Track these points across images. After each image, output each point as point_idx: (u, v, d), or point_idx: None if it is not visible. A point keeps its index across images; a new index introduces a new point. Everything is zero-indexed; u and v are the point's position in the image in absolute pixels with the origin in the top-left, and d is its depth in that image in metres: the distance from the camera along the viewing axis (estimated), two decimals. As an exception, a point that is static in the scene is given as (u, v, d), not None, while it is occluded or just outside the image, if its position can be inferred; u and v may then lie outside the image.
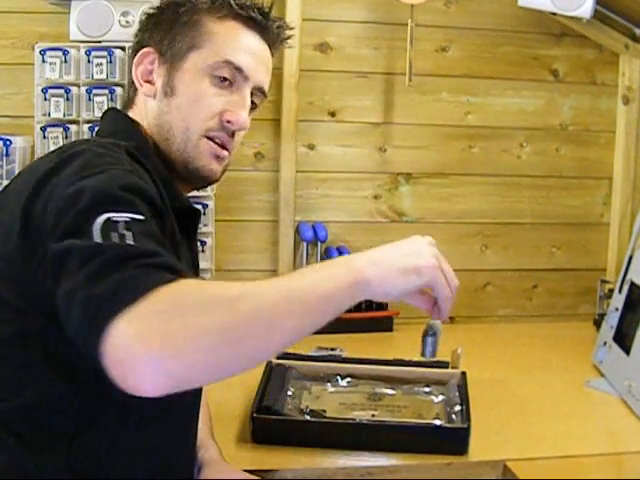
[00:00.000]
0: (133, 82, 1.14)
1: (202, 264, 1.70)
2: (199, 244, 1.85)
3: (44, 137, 1.88)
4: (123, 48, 1.91)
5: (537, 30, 2.33)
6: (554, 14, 2.19)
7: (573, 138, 2.39)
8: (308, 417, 1.43)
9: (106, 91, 1.89)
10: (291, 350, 1.74)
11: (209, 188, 1.87)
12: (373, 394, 1.57)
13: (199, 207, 1.27)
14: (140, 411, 0.99)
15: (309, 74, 2.21)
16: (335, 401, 1.54)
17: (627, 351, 1.71)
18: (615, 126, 2.39)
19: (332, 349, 1.81)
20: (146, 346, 0.70)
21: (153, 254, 0.78)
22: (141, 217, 0.83)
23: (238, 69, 1.10)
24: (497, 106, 2.34)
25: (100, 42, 1.93)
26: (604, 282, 2.25)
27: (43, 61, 1.90)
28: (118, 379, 0.71)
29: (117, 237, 0.78)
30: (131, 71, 1.14)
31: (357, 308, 2.20)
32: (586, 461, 1.39)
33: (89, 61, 1.90)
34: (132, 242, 0.78)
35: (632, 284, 1.80)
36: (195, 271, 1.19)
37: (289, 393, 1.53)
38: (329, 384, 1.61)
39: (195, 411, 1.15)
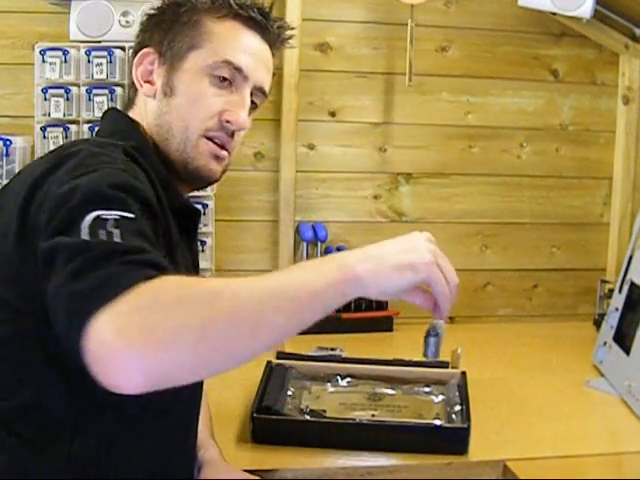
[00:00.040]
0: (133, 83, 1.14)
1: (202, 264, 1.70)
2: (199, 244, 1.85)
3: (44, 137, 1.88)
4: (123, 48, 1.91)
5: (537, 30, 2.33)
6: (554, 14, 2.19)
7: (573, 138, 2.40)
8: (308, 417, 1.43)
9: (106, 91, 1.89)
10: (291, 350, 1.74)
11: (209, 188, 1.87)
12: (373, 394, 1.57)
13: (199, 207, 1.27)
14: (140, 411, 0.99)
15: (309, 74, 2.21)
16: (335, 401, 1.54)
17: (627, 351, 1.71)
18: (615, 126, 2.39)
19: (332, 349, 1.81)
20: (126, 342, 0.69)
21: (138, 251, 0.78)
22: (131, 215, 0.83)
23: (238, 69, 1.10)
24: (497, 106, 2.34)
25: (100, 42, 1.93)
26: (604, 282, 2.25)
27: (43, 61, 1.90)
28: (100, 376, 0.71)
29: (105, 234, 0.78)
30: (132, 72, 1.14)
31: (357, 308, 2.21)
32: (586, 461, 1.39)
33: (89, 61, 1.90)
34: (119, 240, 0.78)
35: (632, 284, 1.80)
36: (195, 271, 1.19)
37: (289, 393, 1.53)
38: (329, 384, 1.61)
39: (195, 411, 1.15)
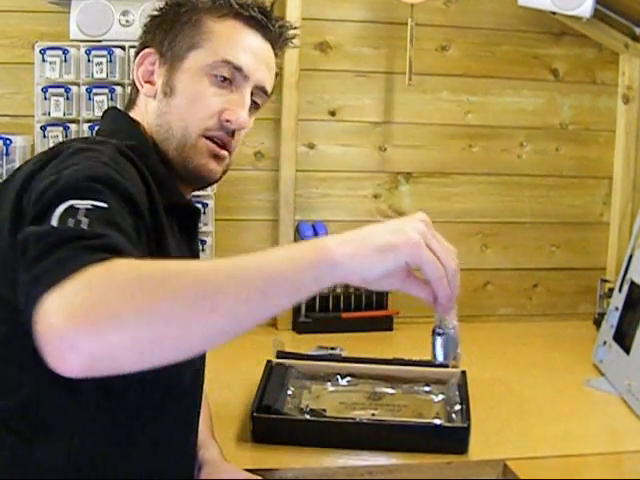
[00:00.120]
0: (135, 83, 1.14)
1: (202, 263, 1.70)
2: (199, 243, 1.85)
3: (44, 136, 1.88)
4: (123, 47, 1.91)
5: (537, 29, 2.33)
6: (554, 13, 2.19)
7: (573, 137, 2.40)
8: (308, 416, 1.43)
9: (106, 90, 1.89)
10: (291, 349, 1.75)
11: (209, 187, 1.87)
12: (373, 393, 1.57)
13: (199, 206, 1.27)
14: (140, 411, 0.99)
15: (309, 73, 2.21)
16: (335, 400, 1.54)
17: (627, 350, 1.71)
18: (615, 125, 2.39)
19: (332, 348, 1.82)
20: (71, 322, 0.68)
21: (96, 236, 0.77)
22: (104, 205, 0.82)
23: (237, 68, 1.09)
24: (497, 105, 2.34)
25: (100, 41, 1.93)
26: (604, 281, 2.25)
27: (43, 60, 1.90)
28: (48, 358, 0.69)
29: (73, 222, 0.78)
30: (133, 72, 1.14)
31: (357, 307, 2.21)
32: (586, 460, 1.39)
33: (89, 60, 1.90)
34: (86, 227, 0.78)
35: (632, 283, 1.80)
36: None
37: (289, 392, 1.53)
38: (329, 383, 1.61)
39: (195, 411, 1.15)
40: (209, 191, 1.95)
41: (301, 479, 1.32)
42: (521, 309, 2.42)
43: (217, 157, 1.11)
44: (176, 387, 1.05)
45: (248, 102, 1.11)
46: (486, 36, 2.31)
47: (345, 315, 2.20)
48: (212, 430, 1.29)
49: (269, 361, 1.64)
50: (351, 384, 1.62)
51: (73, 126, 1.90)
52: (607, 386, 1.73)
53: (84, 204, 0.81)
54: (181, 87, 1.10)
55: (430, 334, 0.90)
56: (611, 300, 1.93)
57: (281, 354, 1.69)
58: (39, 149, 1.86)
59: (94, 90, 1.89)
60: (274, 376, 1.57)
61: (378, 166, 2.30)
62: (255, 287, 0.75)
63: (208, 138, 1.09)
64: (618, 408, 1.62)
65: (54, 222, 0.79)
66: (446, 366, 1.65)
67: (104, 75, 1.89)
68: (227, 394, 1.56)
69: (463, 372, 1.61)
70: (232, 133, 1.10)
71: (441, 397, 1.55)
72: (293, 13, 2.11)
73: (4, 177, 1.85)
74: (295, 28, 1.18)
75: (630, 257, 1.86)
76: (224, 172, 1.15)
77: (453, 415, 1.45)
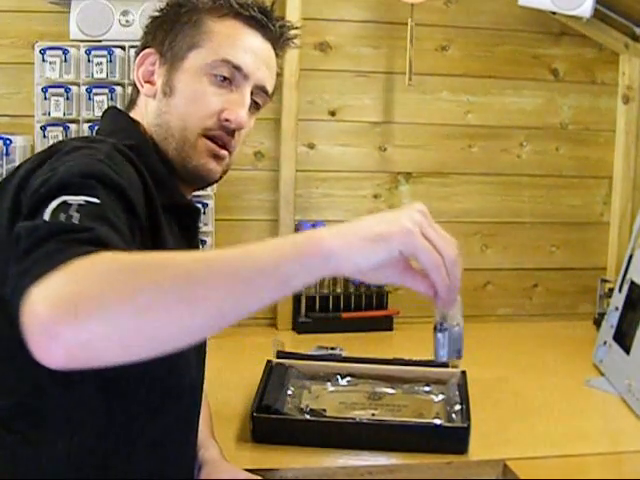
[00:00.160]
0: (135, 83, 1.14)
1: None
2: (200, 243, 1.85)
3: (44, 136, 1.88)
4: (123, 47, 1.91)
5: (537, 29, 2.33)
6: (554, 13, 2.19)
7: (573, 137, 2.40)
8: (308, 416, 1.43)
9: (106, 90, 1.90)
10: (291, 349, 1.75)
11: (209, 187, 1.87)
12: (373, 393, 1.57)
13: (199, 206, 1.27)
14: (140, 411, 0.99)
15: (309, 73, 2.21)
16: (335, 400, 1.54)
17: (627, 350, 1.71)
18: (615, 125, 2.39)
19: (332, 348, 1.82)
20: (52, 312, 0.68)
21: (85, 230, 0.77)
22: (96, 200, 0.82)
23: (237, 68, 1.09)
24: (497, 105, 2.34)
25: (100, 41, 1.93)
26: (604, 281, 2.25)
27: (43, 60, 1.90)
28: (32, 349, 0.69)
29: (64, 217, 0.78)
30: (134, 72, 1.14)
31: (357, 307, 2.21)
32: (586, 460, 1.39)
33: (89, 60, 1.90)
34: (77, 222, 0.78)
35: (632, 283, 1.80)
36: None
37: (289, 392, 1.53)
38: (329, 383, 1.61)
39: (196, 411, 1.15)
40: (209, 191, 1.96)
41: (301, 479, 1.32)
42: (521, 309, 2.42)
43: (217, 157, 1.10)
44: (176, 387, 1.05)
45: (248, 101, 1.11)
46: (486, 36, 2.31)
47: (345, 315, 2.20)
48: (212, 430, 1.29)
49: (269, 361, 1.64)
50: (351, 384, 1.62)
51: (73, 126, 1.90)
52: (607, 386, 1.73)
53: (77, 200, 0.81)
54: (181, 87, 1.09)
55: (432, 332, 0.87)
56: (611, 300, 1.93)
57: (281, 354, 1.69)
58: (39, 149, 1.86)
59: (94, 90, 1.90)
60: (274, 376, 1.57)
61: (378, 166, 2.30)
62: (239, 277, 0.73)
63: (208, 138, 1.09)
64: (618, 408, 1.62)
65: (46, 217, 0.79)
66: (446, 366, 1.65)
67: (104, 75, 1.90)
68: (227, 394, 1.56)
69: (463, 372, 1.61)
70: (232, 133, 1.10)
71: (441, 397, 1.55)
72: (293, 13, 2.11)
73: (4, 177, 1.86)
74: (296, 28, 1.18)
75: (630, 257, 1.86)
76: (224, 172, 1.14)
77: (453, 415, 1.45)
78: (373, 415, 1.46)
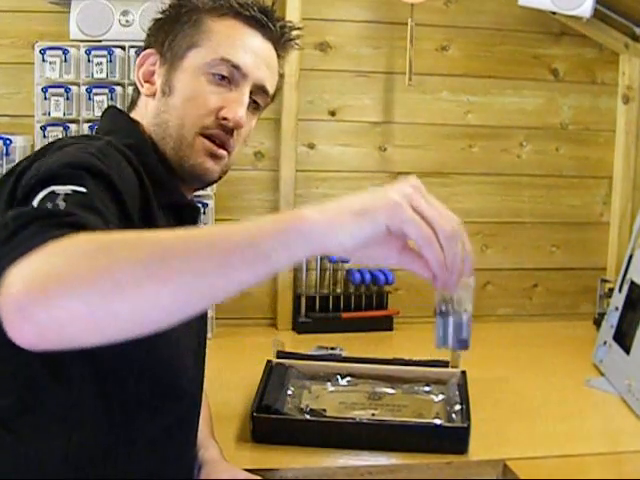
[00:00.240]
0: (136, 84, 1.14)
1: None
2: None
3: (44, 136, 1.88)
4: (123, 47, 1.91)
5: (537, 29, 2.33)
6: (554, 13, 2.19)
7: (573, 137, 2.40)
8: (308, 416, 1.43)
9: (106, 90, 1.90)
10: (291, 349, 1.75)
11: (209, 187, 1.87)
12: (373, 393, 1.57)
13: (199, 206, 1.26)
14: (139, 410, 0.99)
15: (309, 73, 2.21)
16: (335, 400, 1.54)
17: (627, 350, 1.71)
18: (615, 125, 2.39)
19: (332, 348, 1.82)
20: (25, 292, 0.67)
21: (68, 214, 0.77)
22: (83, 190, 0.82)
23: (236, 67, 1.08)
24: (497, 105, 2.34)
25: (100, 41, 1.93)
26: (604, 281, 2.25)
27: (43, 60, 1.90)
28: (7, 329, 0.69)
29: (51, 205, 0.79)
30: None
31: (357, 307, 2.21)
32: (586, 460, 1.39)
33: (89, 60, 1.90)
34: (62, 209, 0.79)
35: (632, 283, 1.80)
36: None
37: (289, 392, 1.53)
38: (329, 383, 1.61)
39: (195, 411, 1.15)
40: (209, 191, 1.95)
41: (301, 479, 1.32)
42: (521, 309, 2.42)
43: (214, 156, 1.10)
44: (176, 387, 1.05)
45: (246, 100, 1.10)
46: (486, 36, 2.31)
47: (345, 315, 2.20)
48: (212, 430, 1.29)
49: (269, 361, 1.64)
50: (351, 384, 1.62)
51: (73, 126, 1.90)
52: (607, 386, 1.73)
53: (64, 189, 0.81)
54: (179, 86, 1.09)
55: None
56: (611, 300, 1.93)
57: (281, 354, 1.69)
58: (39, 149, 1.87)
59: (94, 90, 1.90)
60: (274, 376, 1.57)
61: (378, 166, 2.30)
62: (215, 250, 0.71)
63: (205, 137, 1.08)
64: (618, 408, 1.62)
65: (34, 205, 0.80)
66: (446, 365, 1.65)
67: (104, 75, 1.90)
68: (227, 394, 1.56)
69: (463, 372, 1.61)
70: (231, 131, 1.09)
71: (441, 397, 1.55)
72: (293, 13, 2.11)
73: (4, 177, 1.86)
74: (298, 29, 1.17)
75: (630, 257, 1.86)
76: (224, 172, 1.14)
77: (453, 415, 1.44)
78: (373, 415, 1.46)
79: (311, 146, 2.26)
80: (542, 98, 2.36)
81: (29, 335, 0.68)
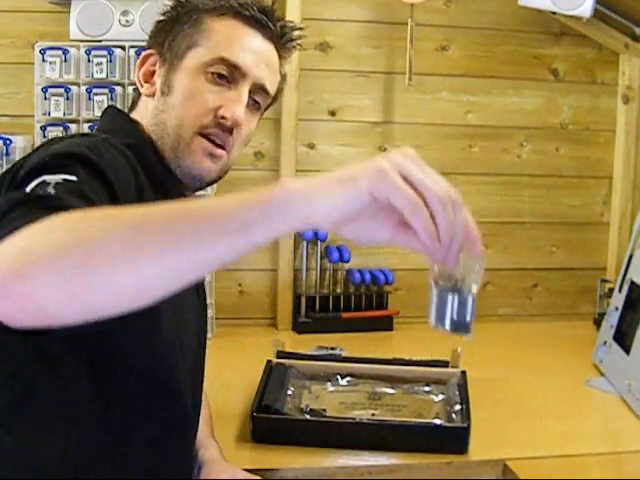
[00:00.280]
0: (136, 85, 1.14)
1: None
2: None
3: (44, 136, 1.88)
4: (123, 47, 1.91)
5: (537, 29, 2.33)
6: (554, 13, 2.19)
7: (573, 137, 2.40)
8: (308, 416, 1.43)
9: (106, 90, 1.90)
10: (291, 349, 1.75)
11: (209, 188, 1.86)
12: (373, 393, 1.57)
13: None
14: (138, 410, 0.99)
15: (309, 73, 2.21)
16: (335, 400, 1.54)
17: (627, 350, 1.71)
18: (615, 125, 2.39)
19: (332, 348, 1.82)
20: (4, 271, 0.68)
21: (55, 199, 0.78)
22: (74, 178, 0.83)
23: (234, 66, 1.08)
24: (497, 105, 2.34)
25: (100, 41, 1.93)
26: (604, 281, 2.25)
27: (43, 60, 1.90)
28: None
29: (42, 192, 0.80)
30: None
31: (357, 307, 2.21)
32: (586, 460, 1.39)
33: (89, 60, 1.90)
34: (51, 194, 0.80)
35: (632, 283, 1.80)
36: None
37: (289, 392, 1.53)
38: (329, 383, 1.61)
39: (195, 410, 1.15)
40: (209, 191, 1.95)
41: (301, 479, 1.32)
42: (521, 309, 2.42)
43: (212, 156, 1.09)
44: (175, 387, 1.05)
45: (245, 99, 1.09)
46: (486, 36, 2.31)
47: (345, 315, 2.20)
48: (212, 430, 1.29)
49: (269, 361, 1.64)
50: (351, 384, 1.62)
51: (73, 126, 1.90)
52: (607, 386, 1.73)
53: (55, 178, 0.82)
54: (178, 86, 1.09)
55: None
56: (611, 300, 1.93)
57: (281, 354, 1.69)
58: (39, 149, 1.87)
59: (94, 90, 1.90)
60: (274, 376, 1.57)
61: (378, 166, 2.29)
62: (188, 225, 0.69)
63: (204, 136, 1.08)
64: (618, 408, 1.62)
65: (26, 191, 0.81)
66: (446, 365, 1.65)
67: (104, 75, 1.90)
68: (227, 394, 1.56)
69: (463, 372, 1.61)
70: (229, 130, 1.09)
71: (441, 397, 1.55)
72: (293, 13, 2.11)
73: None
74: (299, 29, 1.17)
75: (630, 257, 1.86)
76: (224, 172, 1.14)
77: (453, 415, 1.44)
78: (373, 415, 1.46)
79: (311, 146, 2.26)
80: (542, 98, 2.36)
81: (11, 311, 0.68)
